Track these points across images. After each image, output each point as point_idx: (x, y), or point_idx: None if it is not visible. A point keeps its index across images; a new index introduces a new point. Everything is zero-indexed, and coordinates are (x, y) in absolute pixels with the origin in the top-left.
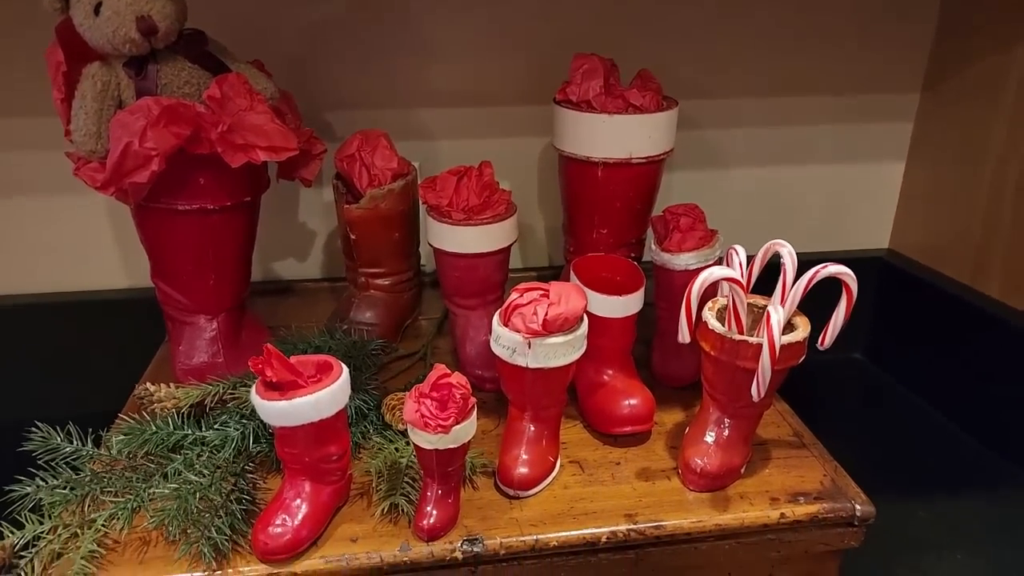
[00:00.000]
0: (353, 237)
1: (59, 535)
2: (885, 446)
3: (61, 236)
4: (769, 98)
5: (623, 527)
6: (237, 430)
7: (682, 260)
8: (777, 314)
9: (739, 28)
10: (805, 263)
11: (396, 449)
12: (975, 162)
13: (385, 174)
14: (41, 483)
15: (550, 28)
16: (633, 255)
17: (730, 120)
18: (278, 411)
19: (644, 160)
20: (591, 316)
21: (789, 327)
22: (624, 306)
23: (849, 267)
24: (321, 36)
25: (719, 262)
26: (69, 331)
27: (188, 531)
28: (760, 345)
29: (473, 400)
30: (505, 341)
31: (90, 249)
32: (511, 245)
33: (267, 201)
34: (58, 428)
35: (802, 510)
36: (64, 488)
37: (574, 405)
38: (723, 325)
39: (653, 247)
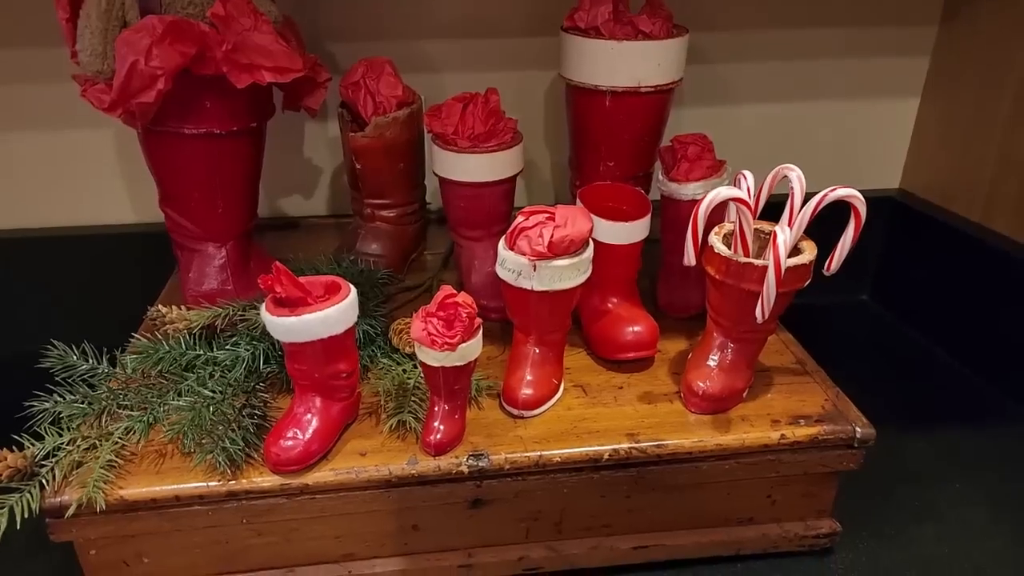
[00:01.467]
0: (358, 167)
1: (78, 446)
2: (889, 384)
3: (68, 170)
4: (780, 30)
5: (625, 445)
6: (248, 351)
7: (689, 190)
8: (784, 234)
9: None
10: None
11: (404, 371)
12: (991, 97)
13: (390, 102)
14: (59, 398)
15: None
16: (640, 189)
17: (740, 53)
18: (288, 327)
19: (652, 89)
20: (597, 243)
21: (795, 251)
22: (629, 232)
23: None
24: None
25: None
26: (78, 266)
27: (203, 442)
28: (766, 267)
29: (479, 320)
30: (510, 264)
31: (97, 183)
32: (517, 175)
33: (273, 136)
34: (73, 346)
35: (802, 432)
36: (82, 403)
37: (578, 333)
38: (729, 249)
39: (660, 177)
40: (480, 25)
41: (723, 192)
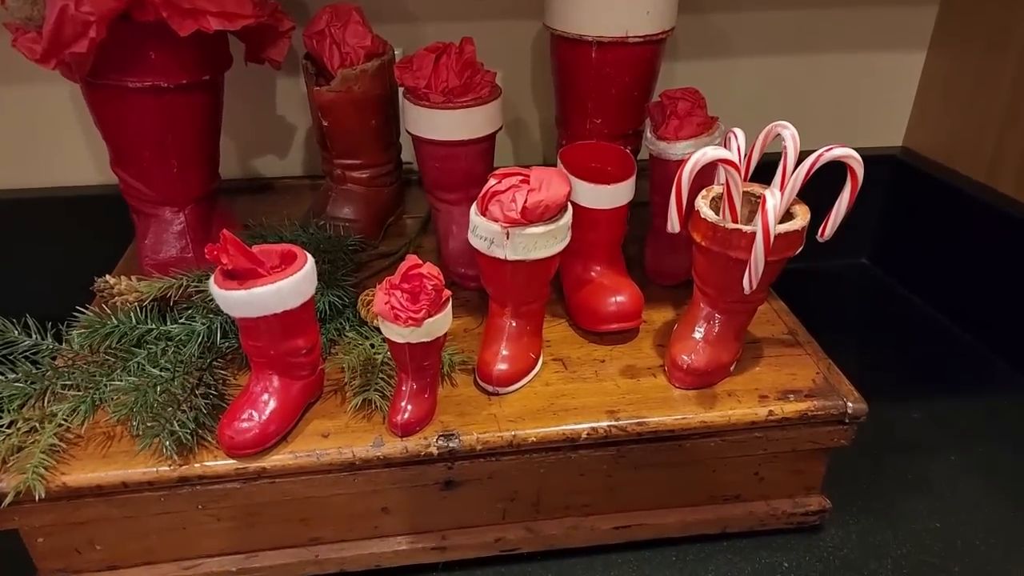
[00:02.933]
0: (325, 124)
1: (18, 429)
2: (886, 350)
3: (21, 127)
4: None
5: (604, 423)
6: (204, 324)
7: (679, 149)
8: (773, 199)
9: None
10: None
11: (372, 345)
12: (999, 52)
13: (358, 52)
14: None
15: None
16: (629, 148)
17: (737, 2)
18: (238, 301)
19: (641, 39)
20: (578, 207)
21: (787, 216)
22: (612, 196)
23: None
24: None
25: None
26: (36, 230)
27: (149, 425)
28: (754, 234)
29: (447, 292)
30: (482, 231)
31: (55, 141)
32: (495, 132)
33: (242, 92)
34: (14, 321)
35: (791, 407)
36: (22, 382)
37: (560, 303)
38: (717, 214)
39: (648, 135)
40: None
41: (709, 153)
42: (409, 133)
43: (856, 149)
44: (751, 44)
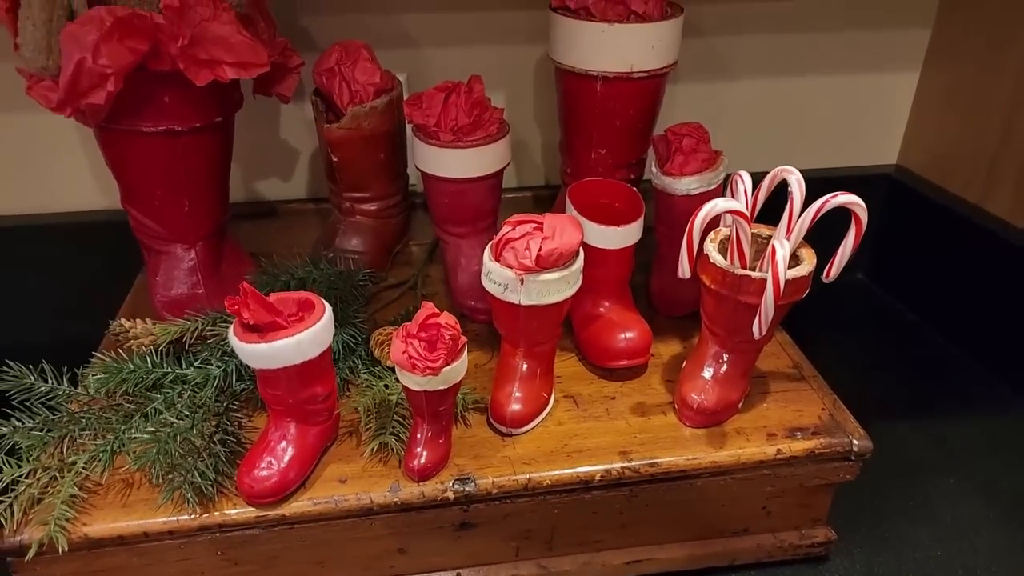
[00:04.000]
0: (335, 159)
1: (38, 479)
2: (883, 368)
3: (31, 153)
4: (776, 2)
5: (617, 465)
6: (219, 367)
7: (684, 184)
8: (783, 249)
9: None
10: (811, 181)
11: (386, 386)
12: (993, 73)
13: (367, 90)
14: (17, 423)
15: None
16: (633, 176)
17: (735, 26)
18: (258, 354)
19: (646, 74)
20: (587, 247)
21: (794, 259)
22: (622, 237)
23: (856, 184)
24: None
25: (723, 186)
26: (45, 255)
27: (170, 476)
28: (764, 280)
29: (463, 340)
30: (496, 277)
31: (63, 166)
32: (504, 168)
33: (247, 117)
34: (32, 367)
35: (799, 446)
36: (41, 430)
37: (569, 337)
38: (725, 258)
39: (654, 170)
40: None
41: (720, 205)
42: (418, 169)
43: (851, 167)
44: (749, 66)
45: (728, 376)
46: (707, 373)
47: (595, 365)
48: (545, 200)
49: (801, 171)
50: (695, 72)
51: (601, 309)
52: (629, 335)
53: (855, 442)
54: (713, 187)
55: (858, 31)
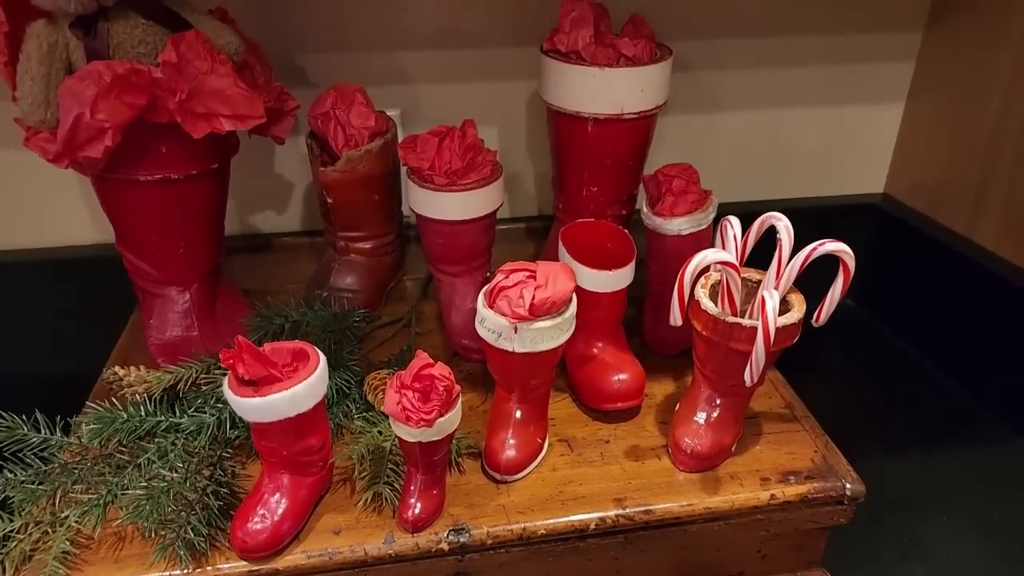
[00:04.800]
0: (330, 201)
1: (29, 533)
2: (873, 396)
3: (22, 188)
4: (764, 38)
5: (612, 512)
6: (212, 415)
7: (675, 225)
8: (772, 300)
9: None
10: (801, 210)
11: (379, 432)
12: (977, 105)
13: (362, 133)
14: (9, 475)
15: None
16: (625, 212)
17: (724, 61)
18: (253, 408)
19: (636, 115)
20: (580, 290)
21: (784, 304)
22: (614, 280)
23: (844, 213)
24: None
25: (713, 225)
26: (38, 289)
27: (163, 532)
28: (754, 328)
29: (457, 389)
30: (490, 324)
31: (55, 202)
32: (497, 209)
33: (241, 150)
34: (24, 417)
35: (792, 490)
36: (33, 483)
37: (564, 377)
38: (716, 304)
39: (645, 209)
40: (457, 36)
41: (710, 256)
42: (412, 211)
43: (838, 195)
44: (738, 99)
45: (721, 420)
46: (700, 417)
47: (589, 407)
48: (538, 232)
49: (790, 200)
50: (685, 106)
51: (595, 350)
52: (622, 377)
53: (848, 486)
54: (703, 227)
55: (843, 65)
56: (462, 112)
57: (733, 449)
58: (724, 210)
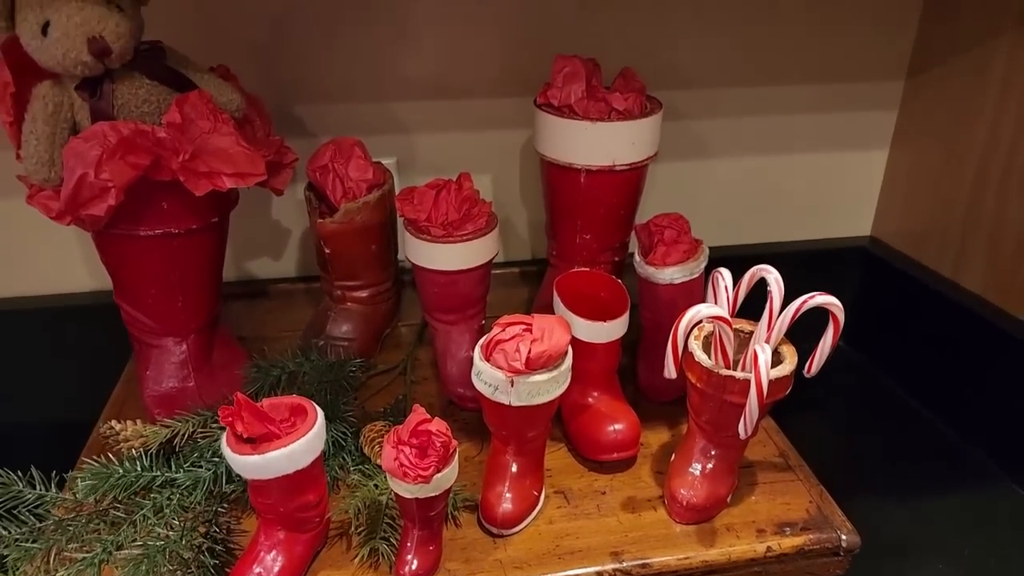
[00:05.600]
0: (328, 251)
1: None
2: (864, 436)
3: (20, 237)
4: (752, 88)
5: (609, 567)
6: (208, 470)
7: (667, 274)
8: (764, 354)
9: (721, 16)
10: (790, 254)
11: (376, 485)
12: (959, 152)
13: (360, 186)
14: (3, 532)
15: (531, 16)
16: (618, 259)
17: (713, 110)
18: (251, 465)
19: (627, 167)
20: (575, 340)
21: (776, 356)
22: (608, 332)
23: (832, 255)
24: (290, 24)
25: (705, 273)
26: (33, 337)
27: None
28: (747, 381)
29: (454, 445)
30: (487, 378)
31: (52, 251)
32: (492, 259)
33: (241, 196)
34: (19, 474)
35: (788, 542)
36: (27, 540)
37: (559, 427)
38: (709, 356)
39: (637, 258)
40: (452, 87)
41: (703, 311)
42: (409, 261)
43: (827, 238)
44: (728, 146)
45: (716, 471)
46: (695, 468)
47: (585, 457)
48: (532, 276)
49: (781, 243)
50: (677, 153)
51: (590, 399)
52: (618, 427)
53: (844, 537)
54: (695, 276)
55: (830, 113)
56: (457, 159)
57: (729, 500)
58: (718, 253)
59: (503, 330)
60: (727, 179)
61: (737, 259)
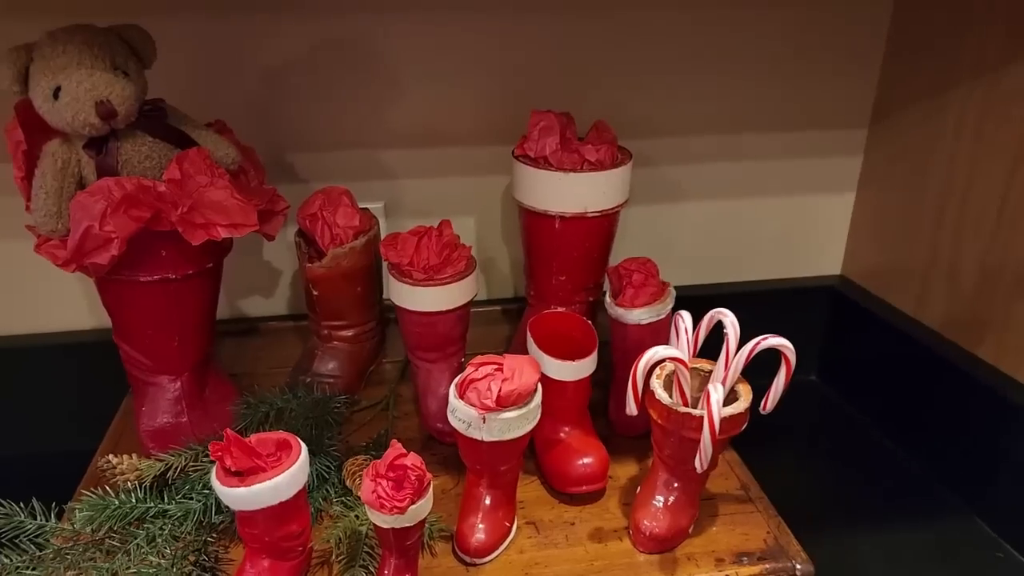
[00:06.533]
0: (316, 294)
1: None
2: (832, 470)
3: (25, 277)
4: (724, 135)
5: None
6: (199, 501)
7: (635, 316)
8: (717, 393)
9: (692, 69)
10: (761, 292)
11: (356, 516)
12: (919, 195)
13: (347, 232)
14: (6, 560)
15: (512, 72)
16: (591, 299)
17: (685, 157)
18: (238, 497)
19: (599, 213)
20: (547, 379)
21: (732, 394)
22: (577, 370)
23: (802, 294)
24: (284, 79)
25: (671, 315)
26: (34, 372)
27: None
28: (702, 417)
29: (428, 478)
30: (461, 415)
31: (56, 291)
32: (471, 300)
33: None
34: (22, 505)
35: (745, 571)
36: (27, 568)
37: (532, 460)
38: (670, 395)
39: (608, 299)
40: (436, 136)
41: (660, 353)
42: (392, 302)
43: (798, 277)
44: (700, 190)
45: (678, 503)
46: (658, 500)
47: (556, 490)
48: (513, 313)
49: (754, 282)
50: (651, 197)
51: (562, 435)
52: (587, 461)
53: (798, 567)
54: (662, 317)
55: (801, 159)
56: (442, 204)
57: (690, 531)
58: (695, 292)
59: (476, 369)
60: (699, 221)
61: (712, 298)
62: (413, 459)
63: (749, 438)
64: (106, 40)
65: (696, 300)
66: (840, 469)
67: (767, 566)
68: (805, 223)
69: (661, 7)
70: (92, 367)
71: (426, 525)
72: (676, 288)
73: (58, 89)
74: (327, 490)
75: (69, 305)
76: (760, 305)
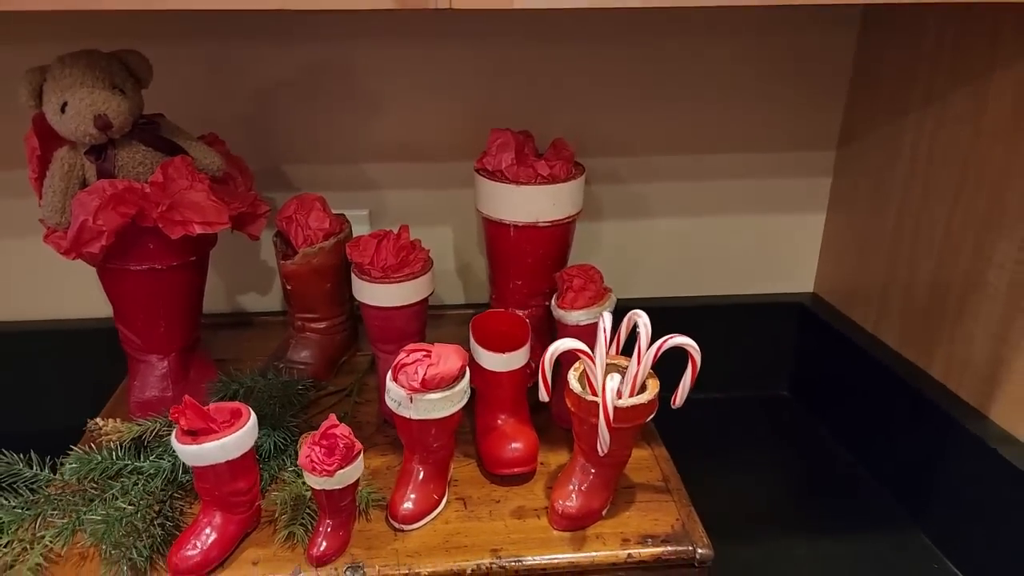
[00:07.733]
0: (289, 288)
1: (12, 548)
2: (793, 484)
3: (45, 270)
4: (693, 155)
5: (487, 561)
6: (169, 462)
7: (574, 317)
8: (611, 383)
9: (662, 91)
10: (734, 307)
11: (303, 483)
12: (879, 216)
13: (317, 234)
14: (3, 501)
15: (486, 93)
16: (547, 303)
17: (654, 175)
18: (191, 453)
19: (550, 223)
20: (484, 370)
21: (643, 388)
22: (507, 362)
23: (773, 310)
24: (274, 97)
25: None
26: (47, 356)
27: (112, 552)
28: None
29: (358, 447)
30: (393, 395)
31: (69, 280)
32: (426, 298)
33: (232, 241)
34: (21, 455)
35: (648, 551)
36: (20, 508)
37: (473, 444)
38: (582, 386)
39: (553, 303)
40: (415, 152)
41: (562, 345)
42: (355, 298)
43: (771, 293)
44: (671, 208)
45: (592, 486)
46: (574, 483)
47: (490, 472)
48: None
49: (728, 296)
50: (619, 213)
51: (499, 421)
52: (517, 446)
53: (699, 550)
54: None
55: (772, 179)
56: (422, 212)
57: (604, 513)
58: (668, 303)
59: (408, 355)
60: (674, 240)
61: (687, 310)
62: (343, 429)
63: (717, 447)
64: (107, 63)
65: (670, 312)
66: (795, 480)
67: (669, 548)
68: (779, 241)
69: (635, 40)
70: (99, 350)
71: (364, 493)
72: (654, 300)
73: (65, 104)
74: (284, 460)
75: (84, 295)
76: (734, 320)
